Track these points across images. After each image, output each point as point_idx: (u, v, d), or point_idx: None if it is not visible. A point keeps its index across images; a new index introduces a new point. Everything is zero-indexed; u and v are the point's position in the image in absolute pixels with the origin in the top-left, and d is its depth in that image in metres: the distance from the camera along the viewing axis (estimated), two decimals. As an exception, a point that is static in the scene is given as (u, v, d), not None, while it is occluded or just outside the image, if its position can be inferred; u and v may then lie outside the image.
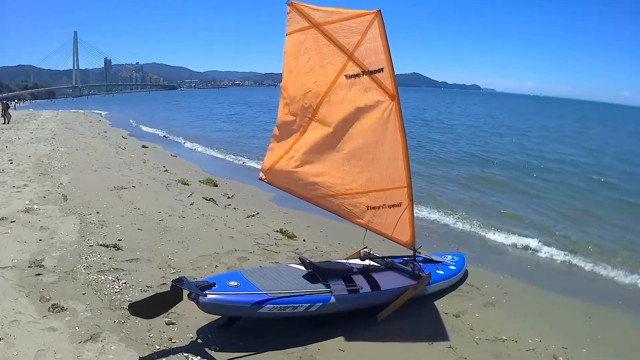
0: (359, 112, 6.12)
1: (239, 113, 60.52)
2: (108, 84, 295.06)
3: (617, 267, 9.22)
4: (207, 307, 4.75)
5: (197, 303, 4.70)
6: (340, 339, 5.54)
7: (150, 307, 4.70)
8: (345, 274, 6.01)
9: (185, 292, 4.81)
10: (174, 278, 5.07)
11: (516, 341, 6.20)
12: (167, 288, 5.00)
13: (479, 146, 27.97)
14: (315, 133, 6.27)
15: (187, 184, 12.90)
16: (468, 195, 14.94)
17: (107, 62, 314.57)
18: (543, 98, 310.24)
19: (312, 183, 6.39)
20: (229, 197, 11.95)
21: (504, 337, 6.26)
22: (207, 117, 52.82)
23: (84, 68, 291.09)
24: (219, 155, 22.03)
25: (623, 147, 32.23)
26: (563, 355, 6.04)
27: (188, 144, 26.23)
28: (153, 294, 5.39)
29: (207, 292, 4.72)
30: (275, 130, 6.37)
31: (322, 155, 6.30)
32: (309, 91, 6.06)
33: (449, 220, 11.77)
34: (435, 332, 6.23)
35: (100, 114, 57.22)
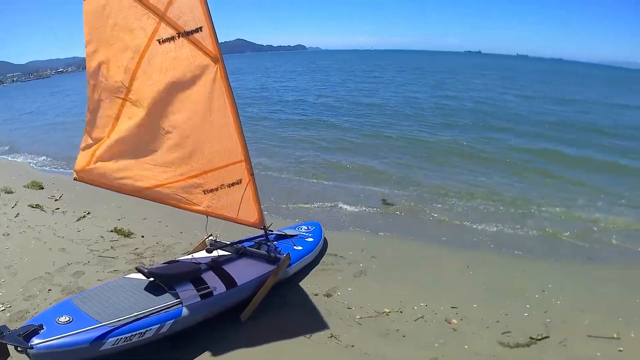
0: (179, 83, 5.06)
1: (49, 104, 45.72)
2: None
3: (476, 210, 9.59)
4: (41, 359, 3.81)
5: (28, 356, 3.82)
6: (206, 355, 4.60)
7: None
8: (193, 275, 5.22)
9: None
10: None
11: (401, 311, 5.53)
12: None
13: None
14: (131, 115, 5.17)
15: (11, 192, 11.04)
16: (305, 154, 14.52)
17: None
18: (374, 52, 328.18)
19: (136, 175, 5.29)
20: (56, 200, 10.40)
21: (386, 310, 5.53)
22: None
23: None
24: (43, 150, 17.95)
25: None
26: (455, 316, 5.38)
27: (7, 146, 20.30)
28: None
29: (34, 339, 3.82)
30: (87, 120, 5.27)
31: (143, 140, 5.21)
32: (118, 66, 5.02)
33: (295, 183, 11.41)
34: (310, 320, 5.34)
35: None
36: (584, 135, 18.41)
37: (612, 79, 70.69)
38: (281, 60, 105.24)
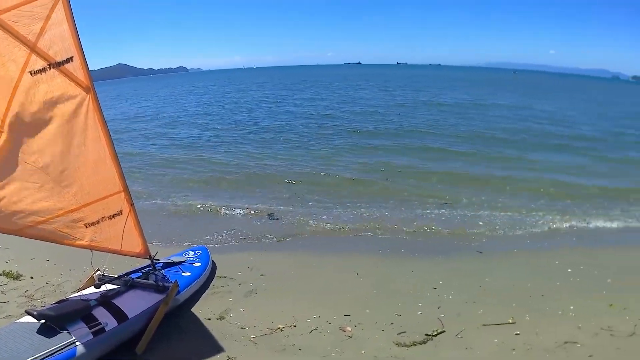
0: (51, 115, 5.06)
1: None
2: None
3: (361, 217, 9.87)
4: None
5: None
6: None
7: None
8: (83, 312, 5.06)
9: None
10: None
11: (295, 326, 5.42)
12: None
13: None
14: (5, 150, 5.30)
15: None
16: (186, 176, 14.26)
17: None
18: (254, 69, 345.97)
19: (13, 212, 5.21)
20: None
21: (280, 326, 5.42)
22: None
23: None
24: None
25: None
26: (349, 324, 5.31)
27: None
28: None
29: None
30: None
31: (18, 175, 5.11)
32: None
33: (179, 208, 11.02)
34: (206, 345, 5.17)
35: None
36: (456, 134, 20.42)
37: (489, 80, 79.64)
38: (160, 84, 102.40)
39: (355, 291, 6.21)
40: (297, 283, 6.59)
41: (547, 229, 9.54)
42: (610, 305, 6.00)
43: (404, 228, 9.07)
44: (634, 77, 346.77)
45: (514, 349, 4.99)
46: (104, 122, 5.04)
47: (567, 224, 9.84)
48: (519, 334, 5.24)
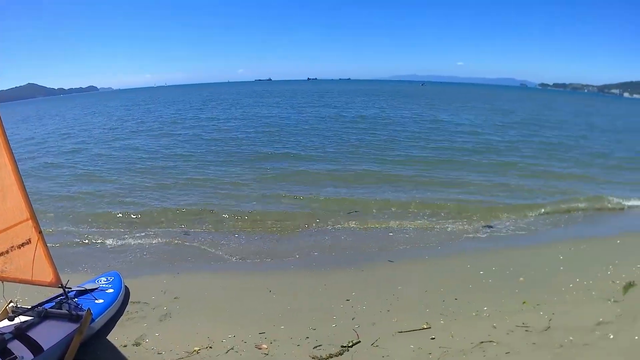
0: None
1: None
2: None
3: (270, 233, 9.92)
4: None
5: None
6: None
7: None
8: None
9: None
10: None
11: (211, 347, 5.31)
12: None
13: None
14: None
15: None
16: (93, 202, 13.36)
17: None
18: (165, 87, 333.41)
19: None
20: None
21: (196, 349, 5.31)
22: None
23: None
24: None
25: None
26: (264, 341, 5.28)
27: None
28: None
29: None
30: None
31: None
32: None
33: (90, 235, 10.41)
34: (123, 374, 5.11)
35: None
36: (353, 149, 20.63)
37: (397, 93, 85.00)
38: (69, 105, 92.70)
39: (269, 308, 6.14)
40: (211, 304, 6.48)
41: (457, 234, 9.82)
42: (524, 302, 6.12)
43: (314, 243, 9.15)
44: (541, 84, 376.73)
45: (430, 353, 5.01)
46: (9, 148, 4.87)
47: (476, 229, 10.19)
48: (434, 338, 5.27)
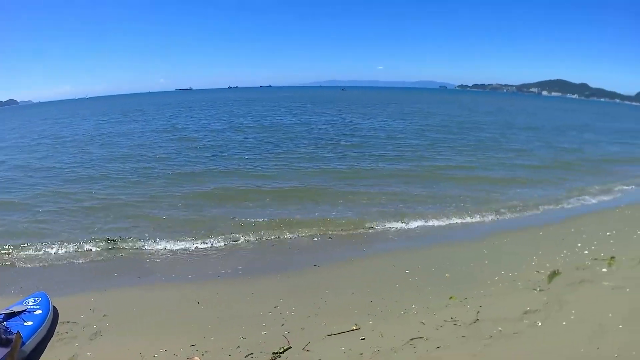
0: None
1: None
2: None
3: (198, 240, 9.75)
4: None
5: None
6: None
7: None
8: None
9: None
10: None
11: (143, 363, 5.25)
12: None
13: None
14: None
15: None
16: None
17: None
18: (86, 99, 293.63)
19: None
20: None
21: (129, 366, 5.26)
22: None
23: None
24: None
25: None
26: (196, 353, 5.27)
27: None
28: None
29: None
30: None
31: None
32: None
33: (9, 255, 9.80)
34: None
35: None
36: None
37: (318, 98, 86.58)
38: None
39: (199, 320, 6.09)
40: (141, 319, 6.38)
41: (380, 235, 10.01)
42: (451, 297, 6.29)
43: (240, 250, 9.12)
44: (460, 85, 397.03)
45: (361, 354, 5.06)
46: None
47: (399, 228, 10.43)
48: (364, 339, 5.34)
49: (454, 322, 5.60)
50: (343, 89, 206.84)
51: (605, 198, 13.62)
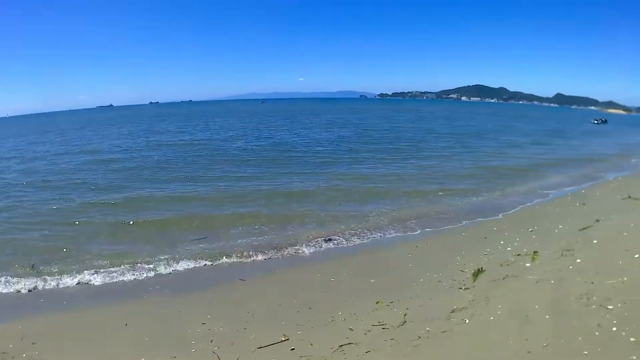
0: None
1: None
2: None
3: (122, 263, 9.30)
4: None
5: None
6: None
7: None
8: None
9: None
10: None
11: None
12: None
13: None
14: None
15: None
16: None
17: None
18: (7, 118, 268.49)
19: None
20: None
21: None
22: None
23: None
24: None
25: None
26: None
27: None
28: None
29: None
30: None
31: None
32: None
33: None
34: None
35: None
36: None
37: (238, 112, 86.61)
38: None
39: (128, 341, 5.91)
40: (69, 343, 6.10)
41: (298, 246, 9.90)
42: (377, 302, 6.44)
43: (164, 270, 8.89)
44: (380, 94, 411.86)
45: (292, 364, 5.07)
46: None
47: (319, 241, 10.27)
48: (294, 349, 5.36)
49: (382, 326, 5.69)
50: (263, 101, 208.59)
51: (526, 197, 14.24)
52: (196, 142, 32.84)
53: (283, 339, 5.58)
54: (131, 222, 12.27)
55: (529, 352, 4.55)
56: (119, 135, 42.88)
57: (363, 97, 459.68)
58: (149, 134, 41.83)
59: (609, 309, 5.25)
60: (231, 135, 37.50)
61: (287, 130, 41.54)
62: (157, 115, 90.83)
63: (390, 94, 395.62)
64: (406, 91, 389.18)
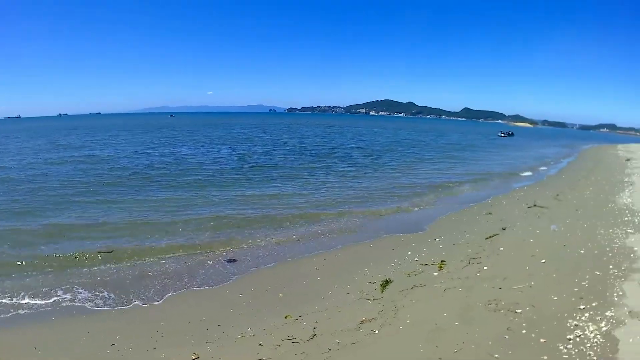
0: None
1: None
2: None
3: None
4: None
5: None
6: None
7: None
8: None
9: None
10: None
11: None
12: None
13: None
14: None
15: None
16: None
17: None
18: None
19: None
20: None
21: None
22: None
23: None
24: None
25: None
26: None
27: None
28: None
29: None
30: None
31: None
32: None
33: None
34: None
35: None
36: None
37: (145, 126, 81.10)
38: None
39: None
40: None
41: (213, 262, 9.54)
42: (286, 316, 6.50)
43: (72, 289, 8.25)
44: (289, 109, 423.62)
45: (203, 382, 4.91)
46: None
47: (221, 260, 9.78)
48: (204, 365, 5.19)
49: (292, 340, 5.74)
50: (171, 115, 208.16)
51: (433, 208, 14.77)
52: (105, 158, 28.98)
53: (193, 358, 5.48)
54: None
55: (440, 358, 4.78)
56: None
57: (272, 112, 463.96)
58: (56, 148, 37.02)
59: (518, 312, 5.65)
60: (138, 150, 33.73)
61: (193, 146, 38.93)
62: (64, 127, 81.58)
63: (300, 108, 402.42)
64: (315, 105, 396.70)
